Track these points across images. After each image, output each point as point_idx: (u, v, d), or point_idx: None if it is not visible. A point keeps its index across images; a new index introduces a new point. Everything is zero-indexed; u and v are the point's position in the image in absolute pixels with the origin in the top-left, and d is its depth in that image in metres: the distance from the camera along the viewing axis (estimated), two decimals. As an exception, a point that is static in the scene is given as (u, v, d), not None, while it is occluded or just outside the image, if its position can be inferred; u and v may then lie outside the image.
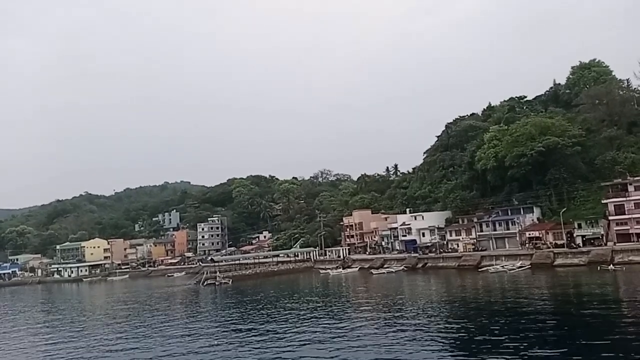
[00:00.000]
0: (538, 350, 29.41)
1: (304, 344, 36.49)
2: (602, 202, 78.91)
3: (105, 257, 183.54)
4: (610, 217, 77.19)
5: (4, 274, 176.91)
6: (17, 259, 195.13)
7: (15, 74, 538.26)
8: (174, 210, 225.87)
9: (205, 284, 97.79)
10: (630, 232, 74.54)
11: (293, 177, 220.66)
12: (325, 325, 43.07)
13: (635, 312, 39.51)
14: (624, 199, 76.06)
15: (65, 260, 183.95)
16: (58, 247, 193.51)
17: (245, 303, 66.32)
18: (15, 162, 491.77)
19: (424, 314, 45.29)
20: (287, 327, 44.37)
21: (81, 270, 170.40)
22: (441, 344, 33.61)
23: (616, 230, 76.03)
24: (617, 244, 73.29)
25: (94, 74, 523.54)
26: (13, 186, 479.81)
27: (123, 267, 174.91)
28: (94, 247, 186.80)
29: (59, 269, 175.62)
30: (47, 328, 57.53)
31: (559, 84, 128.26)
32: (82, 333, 50.46)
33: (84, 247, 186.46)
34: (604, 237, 77.16)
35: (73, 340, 46.22)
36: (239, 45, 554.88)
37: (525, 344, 31.13)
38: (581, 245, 77.71)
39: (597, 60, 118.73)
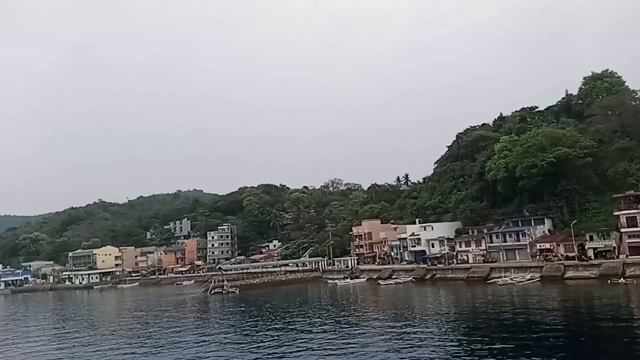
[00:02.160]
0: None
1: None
2: (614, 214, 77.40)
3: (117, 265, 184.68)
4: (622, 230, 75.67)
5: (17, 280, 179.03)
6: (29, 266, 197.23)
7: (30, 80, 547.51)
8: (185, 219, 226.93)
9: (212, 292, 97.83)
10: (643, 244, 73.04)
11: (304, 186, 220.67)
12: (331, 339, 42.58)
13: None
14: (637, 211, 74.53)
15: (77, 267, 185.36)
16: (70, 254, 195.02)
17: (248, 315, 66.05)
18: (31, 169, 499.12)
19: (432, 327, 44.71)
20: (291, 337, 44.09)
21: (92, 278, 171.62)
22: (449, 357, 33.04)
23: (628, 242, 74.53)
24: (629, 257, 71.79)
25: (109, 81, 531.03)
26: (28, 193, 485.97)
27: (133, 274, 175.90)
28: (106, 255, 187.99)
29: (71, 276, 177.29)
30: (58, 333, 58.09)
31: (571, 94, 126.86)
32: (90, 341, 50.69)
33: (96, 254, 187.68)
34: (616, 250, 75.69)
35: (81, 347, 46.50)
36: (253, 55, 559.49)
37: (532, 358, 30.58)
38: (593, 257, 76.33)
39: (609, 71, 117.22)
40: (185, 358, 38.25)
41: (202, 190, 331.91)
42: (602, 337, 35.96)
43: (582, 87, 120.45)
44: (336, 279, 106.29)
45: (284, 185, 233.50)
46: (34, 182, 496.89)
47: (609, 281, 63.33)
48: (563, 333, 38.61)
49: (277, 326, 51.84)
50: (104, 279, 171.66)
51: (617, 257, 73.50)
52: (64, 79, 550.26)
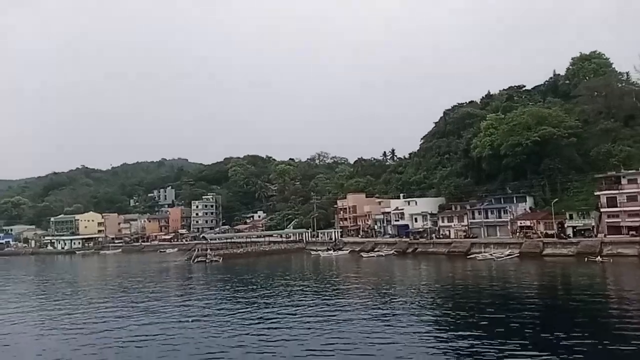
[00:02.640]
0: (518, 338, 29.61)
1: (290, 327, 36.55)
2: (595, 194, 78.68)
3: (99, 231, 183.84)
4: (602, 209, 77.08)
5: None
6: (11, 230, 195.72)
7: (15, 47, 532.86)
8: (170, 187, 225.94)
9: (195, 261, 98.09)
10: (621, 224, 74.47)
11: (290, 159, 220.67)
12: (311, 308, 43.16)
13: (618, 305, 39.59)
14: (617, 191, 75.86)
15: (59, 232, 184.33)
16: (52, 219, 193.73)
17: (231, 282, 66.56)
18: (14, 132, 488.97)
19: (411, 298, 45.46)
20: (271, 306, 44.63)
21: (74, 243, 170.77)
22: (425, 327, 33.79)
23: (607, 222, 76.02)
24: (607, 236, 73.26)
25: (94, 49, 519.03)
26: (10, 156, 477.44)
27: (117, 241, 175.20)
28: (88, 221, 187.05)
29: (53, 240, 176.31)
30: (41, 296, 58.01)
31: (559, 74, 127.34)
32: (75, 306, 50.73)
33: (78, 220, 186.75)
34: (595, 229, 77.15)
35: (67, 312, 46.59)
36: (239, 27, 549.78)
37: (506, 330, 31.40)
38: (571, 236, 77.73)
39: (597, 52, 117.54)
40: (167, 324, 38.45)
41: (187, 159, 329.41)
42: (575, 311, 36.88)
43: (570, 67, 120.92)
44: (319, 250, 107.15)
45: (270, 157, 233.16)
46: (14, 145, 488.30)
47: (585, 259, 64.68)
48: (538, 307, 39.49)
49: (258, 295, 52.34)
50: (86, 244, 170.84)
51: (596, 236, 74.93)
52: (47, 43, 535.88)
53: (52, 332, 37.40)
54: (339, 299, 47.34)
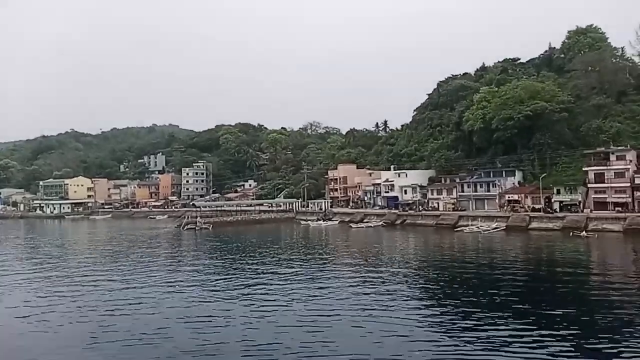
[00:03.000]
0: (502, 308, 30.16)
1: (277, 293, 36.96)
2: (583, 169, 79.27)
3: (89, 196, 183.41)
4: (589, 185, 77.79)
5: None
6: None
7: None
8: (160, 154, 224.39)
9: (185, 228, 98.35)
10: (607, 200, 75.34)
11: (282, 127, 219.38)
12: (299, 275, 43.67)
13: (601, 277, 40.31)
14: (605, 167, 76.43)
15: (48, 196, 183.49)
16: (41, 183, 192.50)
17: (219, 251, 66.96)
18: (1, 93, 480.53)
19: (397, 268, 46.02)
20: (259, 274, 45.05)
21: (64, 208, 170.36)
22: (410, 296, 34.30)
23: (594, 198, 76.87)
24: (593, 212, 74.24)
25: (85, 8, 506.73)
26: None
27: (106, 206, 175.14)
28: (78, 186, 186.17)
29: (42, 205, 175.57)
30: (32, 260, 58.13)
31: (554, 47, 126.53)
32: (66, 270, 50.96)
33: (68, 184, 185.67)
34: (581, 204, 78.03)
35: (58, 275, 46.75)
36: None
37: (490, 301, 32.00)
38: (558, 210, 78.62)
39: (593, 26, 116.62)
40: (154, 290, 38.76)
41: (178, 126, 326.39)
42: (557, 282, 37.52)
43: (566, 40, 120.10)
44: (309, 220, 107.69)
45: (262, 125, 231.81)
46: (3, 107, 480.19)
47: (570, 233, 65.51)
48: (521, 278, 40.15)
49: (246, 262, 52.86)
50: (75, 209, 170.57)
51: (582, 211, 75.85)
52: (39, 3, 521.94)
53: (39, 298, 37.51)
54: (326, 267, 47.90)
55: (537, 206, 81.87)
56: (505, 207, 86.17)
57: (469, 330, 26.18)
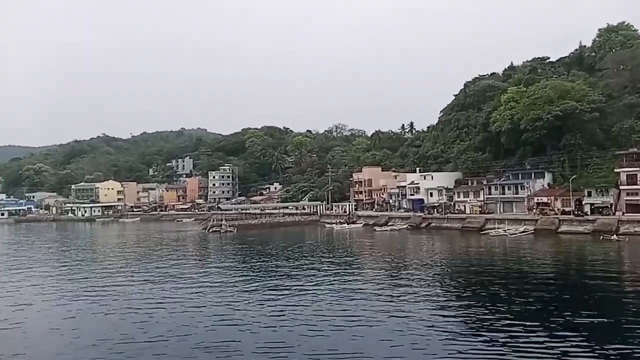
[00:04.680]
0: (530, 314, 29.31)
1: (303, 296, 36.85)
2: (615, 171, 76.75)
3: (119, 199, 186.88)
4: (621, 187, 75.23)
5: (20, 210, 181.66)
6: (33, 197, 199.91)
7: (34, 8, 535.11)
8: (188, 157, 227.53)
9: (210, 231, 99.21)
10: (640, 202, 72.86)
11: (307, 130, 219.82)
12: (324, 280, 43.34)
13: (632, 283, 38.86)
14: (638, 168, 73.92)
15: (80, 200, 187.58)
16: (73, 186, 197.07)
17: (243, 254, 67.28)
18: (36, 99, 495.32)
19: (422, 272, 45.36)
20: (284, 277, 44.95)
21: (94, 211, 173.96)
22: (435, 301, 33.81)
23: (626, 200, 74.30)
24: (625, 214, 71.87)
25: (117, 17, 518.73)
26: (32, 124, 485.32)
27: (135, 209, 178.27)
28: (108, 189, 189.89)
29: (73, 208, 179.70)
30: (65, 261, 59.58)
31: (585, 46, 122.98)
32: (98, 271, 52.10)
33: (99, 188, 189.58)
34: (613, 207, 75.61)
35: (91, 276, 47.80)
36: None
37: (519, 306, 31.27)
38: (589, 213, 76.37)
39: (625, 24, 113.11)
40: (183, 291, 39.14)
41: (206, 129, 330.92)
42: (587, 288, 36.35)
43: (596, 39, 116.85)
44: (333, 223, 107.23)
45: (288, 128, 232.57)
46: (38, 113, 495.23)
47: (601, 237, 63.51)
48: (550, 283, 39.04)
49: (270, 265, 52.83)
50: (106, 212, 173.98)
51: (614, 214, 73.55)
52: (71, 12, 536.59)
53: (73, 297, 38.24)
54: (351, 270, 47.50)
55: (567, 209, 79.68)
56: (534, 210, 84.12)
57: (500, 338, 25.39)
